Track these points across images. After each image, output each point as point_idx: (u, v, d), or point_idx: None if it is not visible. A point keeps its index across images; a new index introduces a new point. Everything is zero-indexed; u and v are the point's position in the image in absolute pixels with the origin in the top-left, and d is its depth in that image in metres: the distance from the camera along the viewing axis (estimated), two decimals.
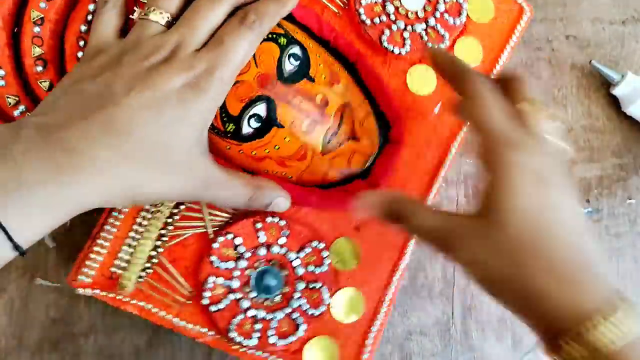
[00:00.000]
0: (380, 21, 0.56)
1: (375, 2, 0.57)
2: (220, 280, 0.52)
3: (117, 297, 0.53)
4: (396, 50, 0.56)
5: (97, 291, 0.53)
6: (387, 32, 0.56)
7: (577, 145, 0.64)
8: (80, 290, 0.53)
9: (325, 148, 0.51)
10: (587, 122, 0.65)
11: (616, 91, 0.62)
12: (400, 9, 0.57)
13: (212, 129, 0.50)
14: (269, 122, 0.50)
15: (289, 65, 0.50)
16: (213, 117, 0.46)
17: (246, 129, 0.49)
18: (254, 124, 0.50)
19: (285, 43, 0.50)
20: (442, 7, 0.57)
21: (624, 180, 0.64)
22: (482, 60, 0.59)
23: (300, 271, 0.53)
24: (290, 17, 0.53)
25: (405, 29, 0.57)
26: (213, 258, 0.52)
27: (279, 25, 0.50)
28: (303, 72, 0.50)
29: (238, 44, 0.45)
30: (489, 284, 0.42)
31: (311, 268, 0.53)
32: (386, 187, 0.55)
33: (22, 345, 0.61)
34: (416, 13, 0.57)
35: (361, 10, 0.56)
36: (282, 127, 0.50)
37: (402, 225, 0.46)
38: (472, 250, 0.41)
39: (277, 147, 0.51)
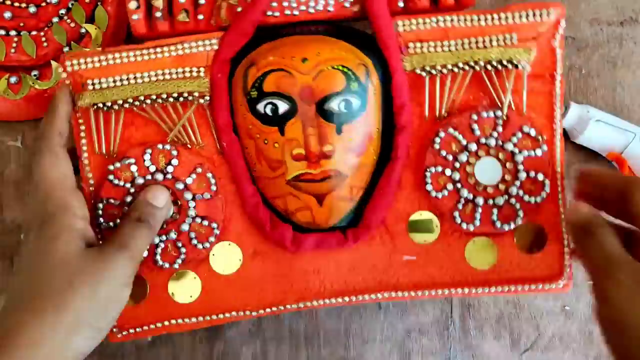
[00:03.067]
0: (445, 157, 0.55)
1: (458, 141, 0.55)
2: (135, 169, 0.54)
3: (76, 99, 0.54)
4: (428, 187, 0.55)
5: (68, 82, 0.54)
6: (439, 168, 0.55)
7: (575, 145, 0.63)
8: (59, 69, 0.54)
9: (291, 182, 0.53)
10: None
11: (563, 123, 0.60)
12: (469, 166, 0.55)
13: (244, 81, 0.53)
14: (277, 121, 0.52)
15: (335, 106, 0.52)
16: None
17: (260, 107, 0.52)
18: (268, 110, 0.52)
19: (354, 89, 0.52)
20: (500, 201, 0.55)
21: None
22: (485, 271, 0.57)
23: (185, 228, 0.55)
24: (388, 84, 0.54)
25: (455, 182, 0.55)
26: (148, 150, 0.54)
27: (367, 73, 0.53)
28: (340, 120, 0.52)
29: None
30: (616, 329, 0.43)
31: (192, 235, 0.55)
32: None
33: None
34: (476, 183, 0.56)
35: (441, 134, 0.55)
36: (282, 135, 0.52)
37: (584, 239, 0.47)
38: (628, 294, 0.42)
39: (266, 141, 0.53)
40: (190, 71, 0.54)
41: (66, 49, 0.61)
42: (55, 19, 0.60)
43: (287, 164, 0.52)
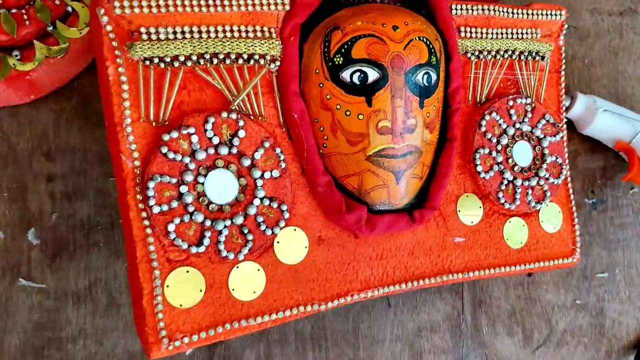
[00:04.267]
0: (490, 139, 0.57)
1: (499, 125, 0.57)
2: (195, 139, 0.46)
3: (115, 52, 0.44)
4: (478, 168, 0.56)
5: (109, 28, 0.43)
6: (486, 149, 0.57)
7: (581, 136, 0.68)
8: (101, 11, 0.42)
9: (371, 157, 0.49)
10: None
11: (570, 115, 0.65)
12: (509, 149, 0.58)
13: (325, 46, 0.48)
14: (364, 90, 0.48)
15: (420, 78, 0.50)
16: None
17: (346, 75, 0.48)
18: (355, 79, 0.48)
19: (434, 62, 0.50)
20: (533, 182, 0.58)
21: (627, 171, 0.65)
22: (518, 249, 0.59)
23: (251, 211, 0.48)
24: (447, 64, 0.54)
25: (499, 163, 0.57)
26: (211, 119, 0.46)
27: (440, 48, 0.52)
28: (423, 93, 0.50)
29: None
30: None
31: (260, 219, 0.50)
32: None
33: (1, 353, 0.54)
34: (514, 165, 0.58)
35: (487, 117, 0.57)
36: (370, 105, 0.48)
37: None
38: None
39: (348, 112, 0.49)
40: (262, 30, 0.48)
41: (50, 28, 0.52)
42: None
43: (370, 137, 0.49)
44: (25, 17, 0.52)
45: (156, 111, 0.45)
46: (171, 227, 0.44)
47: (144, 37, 0.44)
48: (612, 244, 0.68)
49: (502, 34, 0.58)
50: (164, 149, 0.44)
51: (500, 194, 0.57)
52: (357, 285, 0.52)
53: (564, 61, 0.62)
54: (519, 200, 0.58)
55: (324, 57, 0.48)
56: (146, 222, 0.44)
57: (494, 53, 0.57)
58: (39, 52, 0.52)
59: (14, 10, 0.52)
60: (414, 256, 0.54)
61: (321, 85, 0.49)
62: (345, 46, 0.48)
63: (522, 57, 0.59)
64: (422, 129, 0.51)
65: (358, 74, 0.48)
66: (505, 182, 0.57)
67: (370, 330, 0.61)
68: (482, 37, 0.57)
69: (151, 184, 0.44)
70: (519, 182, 0.58)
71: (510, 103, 0.58)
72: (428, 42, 0.50)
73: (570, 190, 0.62)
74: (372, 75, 0.48)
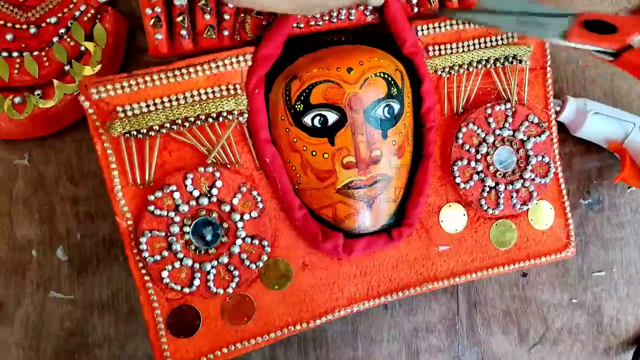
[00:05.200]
0: (468, 150, 0.59)
1: (478, 134, 0.59)
2: (177, 195, 0.52)
3: (107, 128, 0.50)
4: (457, 180, 0.59)
5: (91, 111, 0.50)
6: (464, 161, 0.59)
7: (575, 137, 0.66)
8: (82, 97, 0.50)
9: (341, 190, 0.54)
10: None
11: (561, 118, 0.64)
12: (489, 156, 0.60)
13: (286, 95, 0.52)
14: (327, 132, 0.52)
15: (380, 112, 0.53)
16: None
17: (307, 120, 0.52)
18: (316, 122, 0.52)
19: (394, 94, 0.53)
20: (517, 185, 0.60)
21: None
22: (508, 249, 0.62)
23: (235, 250, 0.54)
24: (418, 85, 0.56)
25: (479, 172, 0.59)
26: (190, 175, 0.52)
27: (402, 77, 0.55)
28: (385, 125, 0.53)
29: None
30: None
31: (244, 256, 0.54)
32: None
33: (38, 357, 0.62)
34: (496, 171, 0.60)
35: (463, 129, 0.59)
36: (333, 145, 0.53)
37: None
38: None
39: (314, 153, 0.53)
40: (227, 89, 0.52)
41: (67, 67, 0.58)
42: (55, 39, 0.57)
43: (337, 173, 0.53)
44: (45, 58, 0.57)
45: (141, 175, 0.52)
46: (164, 274, 0.52)
47: (121, 115, 0.50)
48: (610, 242, 0.68)
49: (474, 45, 0.59)
50: (151, 208, 0.51)
51: (483, 201, 0.60)
52: (343, 301, 0.58)
53: (549, 57, 0.62)
54: (502, 205, 0.60)
55: (286, 105, 0.53)
56: (144, 271, 0.52)
57: (465, 66, 0.58)
58: (58, 90, 0.58)
59: (35, 53, 0.57)
60: (397, 269, 0.59)
61: (287, 130, 0.53)
62: (304, 93, 0.52)
63: (499, 64, 0.59)
64: (388, 157, 0.54)
65: (318, 117, 0.52)
66: (487, 189, 0.60)
67: (369, 332, 0.65)
68: (452, 53, 0.58)
69: (143, 239, 0.51)
70: (501, 187, 0.60)
71: (489, 111, 0.59)
72: (386, 76, 0.53)
73: (562, 186, 0.63)
74: (332, 117, 0.52)
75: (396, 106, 0.54)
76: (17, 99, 0.58)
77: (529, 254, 0.62)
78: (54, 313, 0.62)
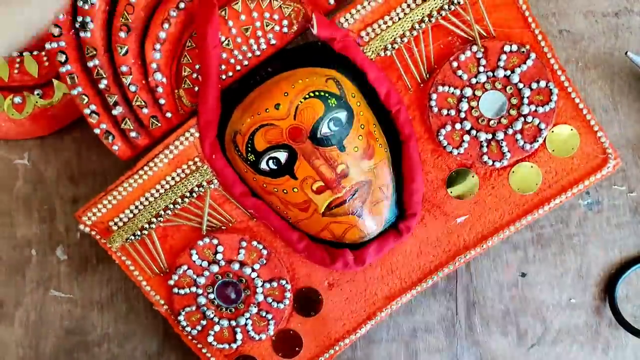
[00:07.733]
0: (448, 114, 0.55)
1: (452, 94, 0.55)
2: (191, 272, 0.57)
3: (107, 245, 0.57)
4: (448, 148, 0.56)
5: (94, 233, 0.57)
6: (448, 127, 0.55)
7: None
8: (81, 227, 0.56)
9: (326, 212, 0.54)
10: None
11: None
12: (474, 110, 0.55)
13: (237, 150, 0.54)
14: (285, 170, 0.53)
15: (326, 129, 0.52)
16: None
17: (263, 166, 0.54)
18: (272, 165, 0.53)
19: (334, 105, 0.52)
20: (518, 125, 0.55)
21: (623, 171, 0.62)
22: (537, 191, 0.57)
23: (260, 298, 0.57)
24: (360, 77, 0.55)
25: (469, 131, 0.55)
26: (193, 252, 0.56)
27: (337, 83, 0.53)
28: (337, 138, 0.53)
29: None
30: None
31: (270, 300, 0.57)
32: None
33: (38, 356, 0.65)
34: (488, 121, 0.55)
35: (433, 96, 0.55)
36: (296, 179, 0.53)
37: None
38: None
39: (285, 191, 0.54)
40: (188, 166, 0.56)
41: None
42: None
43: (313, 201, 0.54)
44: (45, 58, 0.58)
45: (157, 265, 0.58)
46: (210, 339, 0.58)
47: (114, 227, 0.56)
48: (609, 243, 0.63)
49: (408, 7, 0.53)
50: (175, 290, 0.57)
51: (485, 157, 0.55)
52: (381, 303, 0.59)
53: None
54: (509, 153, 0.55)
55: (241, 159, 0.54)
56: (194, 341, 0.59)
57: (408, 33, 0.54)
58: (58, 90, 0.59)
59: (35, 53, 0.58)
60: (423, 255, 0.58)
61: (255, 179, 0.55)
62: (249, 145, 0.53)
63: (444, 13, 0.53)
64: (357, 165, 0.53)
65: (271, 161, 0.53)
66: (485, 143, 0.55)
67: (367, 332, 0.62)
68: (388, 27, 0.54)
69: (181, 318, 0.58)
70: (500, 135, 0.55)
71: (455, 64, 0.54)
72: (317, 93, 0.52)
73: (577, 100, 0.56)
74: (282, 156, 0.53)
75: (342, 114, 0.53)
76: (17, 99, 0.59)
77: (563, 186, 0.57)
78: (54, 312, 0.63)
